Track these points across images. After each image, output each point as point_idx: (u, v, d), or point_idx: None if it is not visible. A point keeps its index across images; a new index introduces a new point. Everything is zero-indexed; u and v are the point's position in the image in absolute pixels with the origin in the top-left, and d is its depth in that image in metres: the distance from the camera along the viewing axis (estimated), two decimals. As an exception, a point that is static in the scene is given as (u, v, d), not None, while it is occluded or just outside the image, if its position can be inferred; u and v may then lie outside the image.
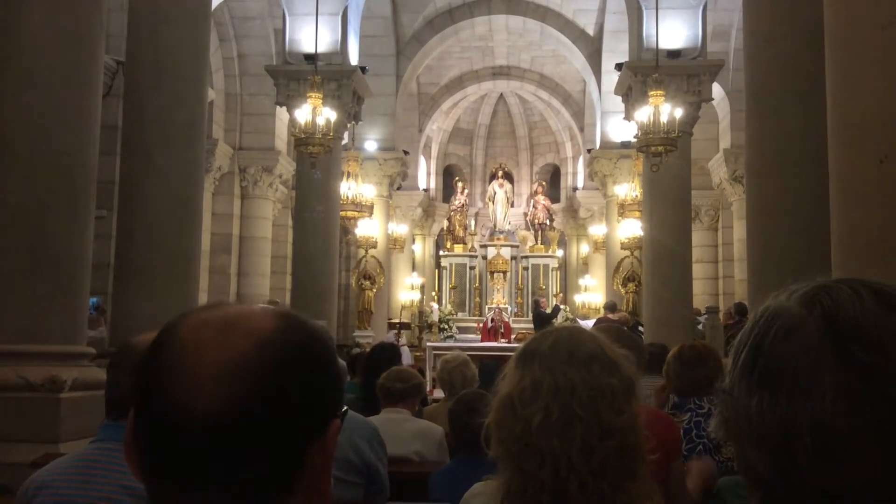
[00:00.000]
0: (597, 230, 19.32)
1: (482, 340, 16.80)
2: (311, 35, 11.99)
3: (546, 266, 20.78)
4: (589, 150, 17.99)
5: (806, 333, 0.74)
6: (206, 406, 0.75)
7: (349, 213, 14.97)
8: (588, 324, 12.13)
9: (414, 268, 21.58)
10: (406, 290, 20.52)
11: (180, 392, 0.76)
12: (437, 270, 21.62)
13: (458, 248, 21.13)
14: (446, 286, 20.52)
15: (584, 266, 21.49)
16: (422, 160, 22.47)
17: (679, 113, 10.43)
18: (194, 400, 0.75)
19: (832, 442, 0.70)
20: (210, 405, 0.75)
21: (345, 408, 0.87)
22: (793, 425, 0.72)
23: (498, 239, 20.90)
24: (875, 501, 0.70)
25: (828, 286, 0.77)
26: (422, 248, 22.66)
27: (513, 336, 16.71)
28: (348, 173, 15.33)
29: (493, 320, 17.66)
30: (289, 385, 0.78)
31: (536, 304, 17.85)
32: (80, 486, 1.83)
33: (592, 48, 17.03)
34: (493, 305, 19.26)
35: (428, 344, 16.31)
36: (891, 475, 0.69)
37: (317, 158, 10.80)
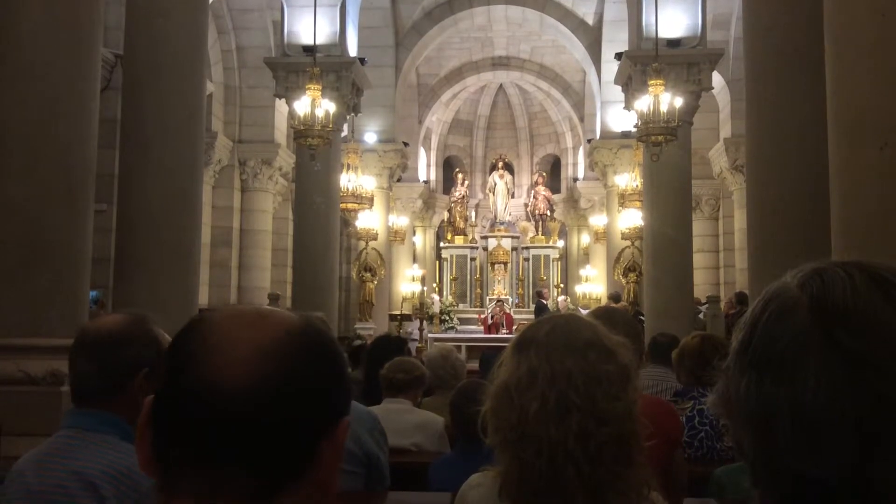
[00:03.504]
0: (597, 220, 19.28)
1: (483, 332, 16.84)
2: (309, 27, 11.95)
3: (547, 257, 20.78)
4: (589, 141, 17.96)
5: (797, 316, 0.72)
6: (239, 381, 0.79)
7: (349, 206, 14.95)
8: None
9: (415, 259, 21.57)
10: (407, 281, 20.51)
11: (215, 367, 0.80)
12: (437, 262, 21.62)
13: (459, 240, 21.11)
14: (447, 278, 20.53)
15: (585, 256, 21.48)
16: (422, 152, 22.43)
17: (679, 102, 10.39)
18: (228, 375, 0.80)
19: (812, 428, 0.69)
20: (243, 381, 0.79)
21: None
22: (774, 407, 0.70)
23: (498, 230, 20.90)
24: (849, 491, 0.68)
25: (824, 268, 0.75)
26: (422, 240, 22.65)
27: (514, 327, 16.73)
28: (348, 165, 15.30)
29: (493, 312, 17.68)
30: (312, 371, 0.84)
31: (539, 294, 17.87)
32: (39, 474, 1.83)
33: (592, 38, 16.99)
34: (494, 296, 19.26)
35: (429, 335, 16.33)
36: (867, 467, 0.67)
37: (316, 150, 10.78)
